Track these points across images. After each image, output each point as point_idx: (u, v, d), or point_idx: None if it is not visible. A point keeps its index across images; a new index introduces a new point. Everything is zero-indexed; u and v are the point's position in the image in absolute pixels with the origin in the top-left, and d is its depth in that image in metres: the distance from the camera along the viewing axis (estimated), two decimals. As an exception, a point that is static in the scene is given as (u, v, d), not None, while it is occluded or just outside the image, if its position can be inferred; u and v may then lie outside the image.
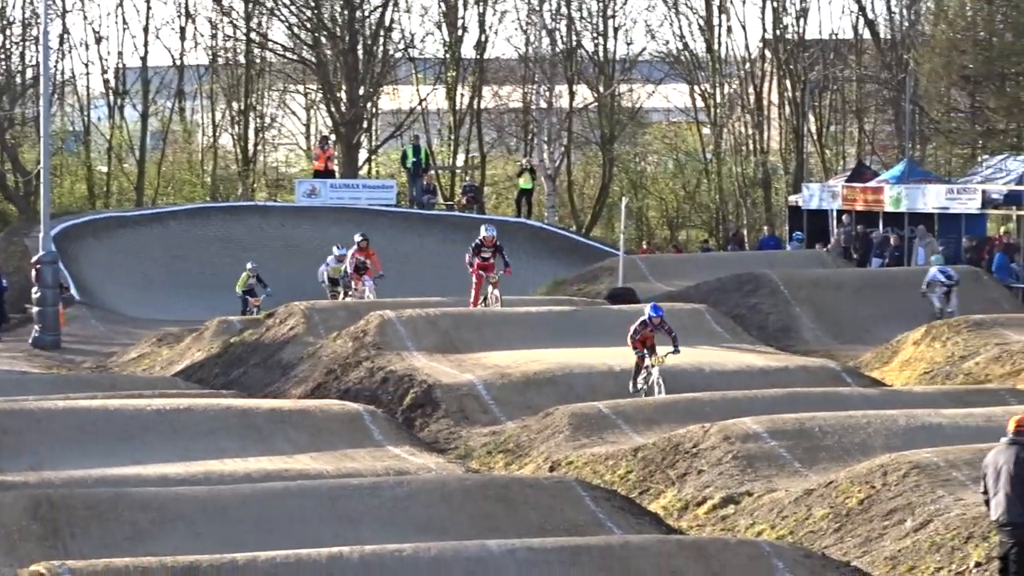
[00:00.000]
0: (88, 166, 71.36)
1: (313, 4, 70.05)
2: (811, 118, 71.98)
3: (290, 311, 42.99)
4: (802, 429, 29.29)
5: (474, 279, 37.93)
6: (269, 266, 51.09)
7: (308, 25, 71.06)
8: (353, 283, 42.71)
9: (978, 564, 21.48)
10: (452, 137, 72.01)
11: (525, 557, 20.38)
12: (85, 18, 71.66)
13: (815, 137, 72.20)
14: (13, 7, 68.68)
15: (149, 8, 71.25)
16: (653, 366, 31.97)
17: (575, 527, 23.50)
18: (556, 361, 37.27)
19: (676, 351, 31.05)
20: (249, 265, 47.25)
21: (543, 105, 69.90)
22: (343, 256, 45.05)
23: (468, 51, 72.73)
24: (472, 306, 38.50)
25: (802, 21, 71.31)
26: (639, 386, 32.00)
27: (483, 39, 71.28)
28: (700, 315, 41.81)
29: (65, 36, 70.74)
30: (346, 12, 69.84)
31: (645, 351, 31.17)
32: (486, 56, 72.26)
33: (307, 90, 73.73)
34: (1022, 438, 20.08)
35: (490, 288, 38.20)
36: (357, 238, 42.95)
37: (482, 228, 39.72)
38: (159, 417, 31.37)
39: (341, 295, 44.90)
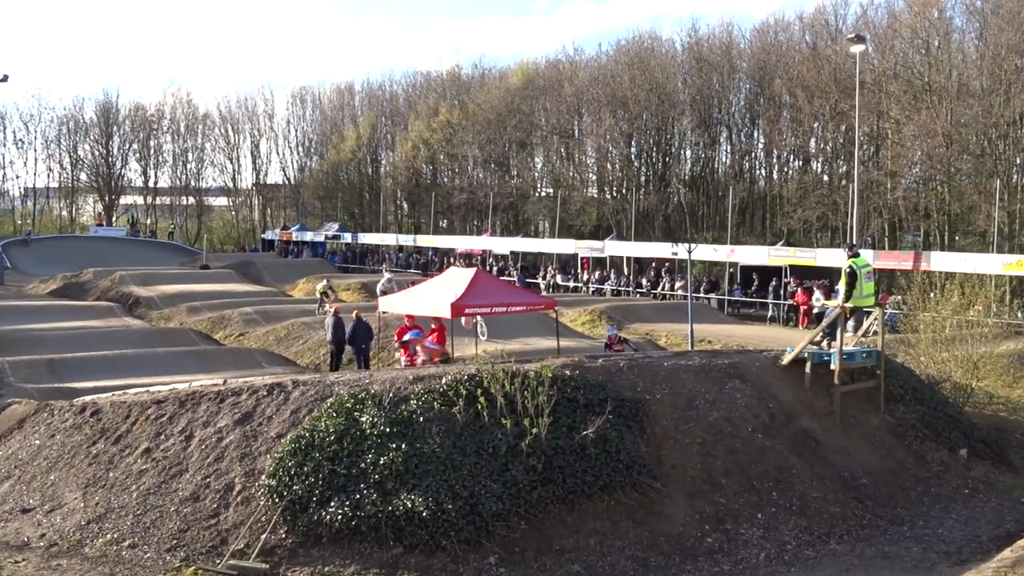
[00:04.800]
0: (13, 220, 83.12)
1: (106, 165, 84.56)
2: None
3: (99, 274, 50.57)
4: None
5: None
6: (79, 262, 58.59)
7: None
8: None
9: (328, 356, 27.49)
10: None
11: (166, 355, 28.10)
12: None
13: None
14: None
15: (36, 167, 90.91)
16: None
17: (188, 344, 31.42)
18: (191, 288, 45.63)
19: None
20: (324, 280, 40.39)
21: None
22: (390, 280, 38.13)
23: None
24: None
25: None
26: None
27: None
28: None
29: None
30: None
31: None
32: None
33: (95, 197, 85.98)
34: (337, 315, 26.65)
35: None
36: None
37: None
38: (39, 309, 38.24)
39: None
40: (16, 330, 33.31)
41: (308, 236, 74.36)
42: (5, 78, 58.45)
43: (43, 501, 15.76)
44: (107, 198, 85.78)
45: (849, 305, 17.70)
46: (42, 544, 14.36)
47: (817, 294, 37.78)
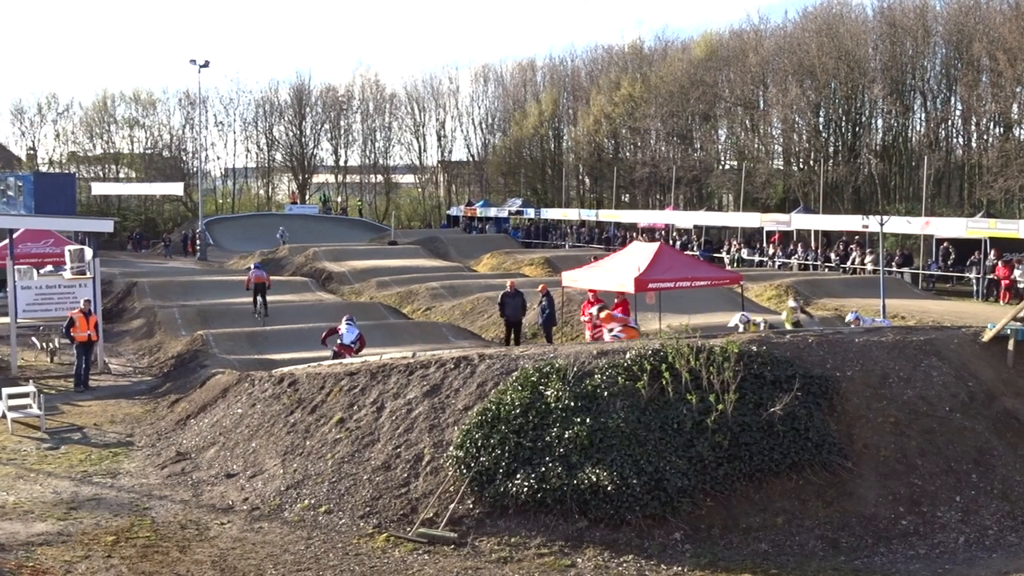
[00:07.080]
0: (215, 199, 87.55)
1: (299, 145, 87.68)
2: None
3: (294, 250, 52.86)
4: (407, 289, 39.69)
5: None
6: (275, 239, 61.83)
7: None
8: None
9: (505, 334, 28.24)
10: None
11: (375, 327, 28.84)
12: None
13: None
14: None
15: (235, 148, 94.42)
16: None
17: (378, 318, 32.43)
18: (380, 263, 46.62)
19: None
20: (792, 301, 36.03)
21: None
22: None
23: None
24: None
25: None
26: None
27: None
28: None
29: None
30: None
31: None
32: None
33: (289, 176, 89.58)
34: (515, 291, 26.96)
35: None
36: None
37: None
38: (239, 284, 37.37)
39: None
40: (219, 304, 35.11)
41: (492, 212, 75.44)
42: (207, 64, 61.32)
43: (245, 467, 16.46)
44: (300, 177, 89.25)
45: (1057, 279, 16.74)
46: (245, 507, 14.99)
47: (1022, 268, 35.91)
